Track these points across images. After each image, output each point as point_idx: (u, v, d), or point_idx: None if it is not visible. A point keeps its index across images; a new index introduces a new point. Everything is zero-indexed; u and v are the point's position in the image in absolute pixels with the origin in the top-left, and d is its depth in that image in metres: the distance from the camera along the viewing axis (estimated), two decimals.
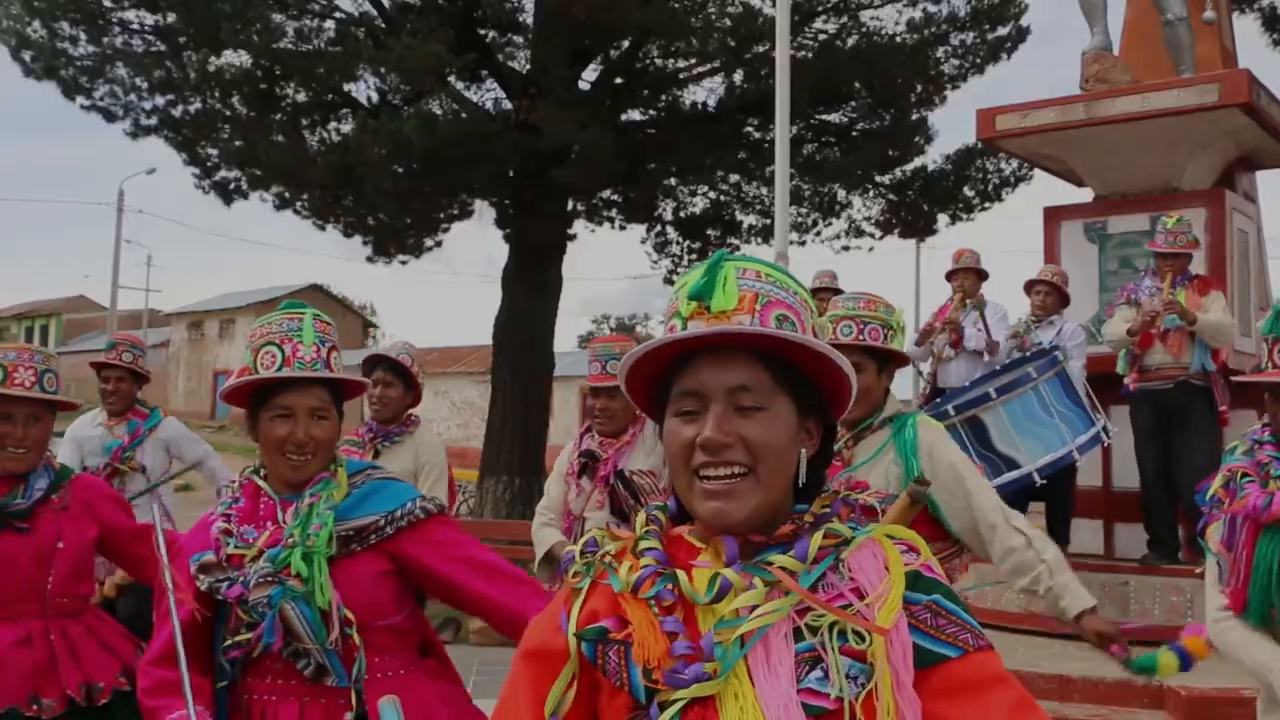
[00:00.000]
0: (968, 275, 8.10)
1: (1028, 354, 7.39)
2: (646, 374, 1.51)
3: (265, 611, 2.42)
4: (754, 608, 1.37)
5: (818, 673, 1.34)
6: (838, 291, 7.65)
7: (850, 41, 15.55)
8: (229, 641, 2.47)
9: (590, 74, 16.17)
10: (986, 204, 16.79)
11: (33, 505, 3.41)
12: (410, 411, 5.52)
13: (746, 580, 1.38)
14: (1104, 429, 6.88)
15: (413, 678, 2.56)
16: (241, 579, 2.45)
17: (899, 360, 3.72)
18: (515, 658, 1.50)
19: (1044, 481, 6.72)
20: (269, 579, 2.44)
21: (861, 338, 3.51)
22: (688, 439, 1.43)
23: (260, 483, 2.61)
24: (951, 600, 1.41)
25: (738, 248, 18.23)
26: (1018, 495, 6.18)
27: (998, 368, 7.44)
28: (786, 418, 1.45)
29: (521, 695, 1.45)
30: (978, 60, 15.73)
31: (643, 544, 1.47)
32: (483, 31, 15.84)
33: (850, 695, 1.32)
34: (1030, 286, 7.94)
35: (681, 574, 1.42)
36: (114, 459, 5.85)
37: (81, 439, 6.00)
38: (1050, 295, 7.82)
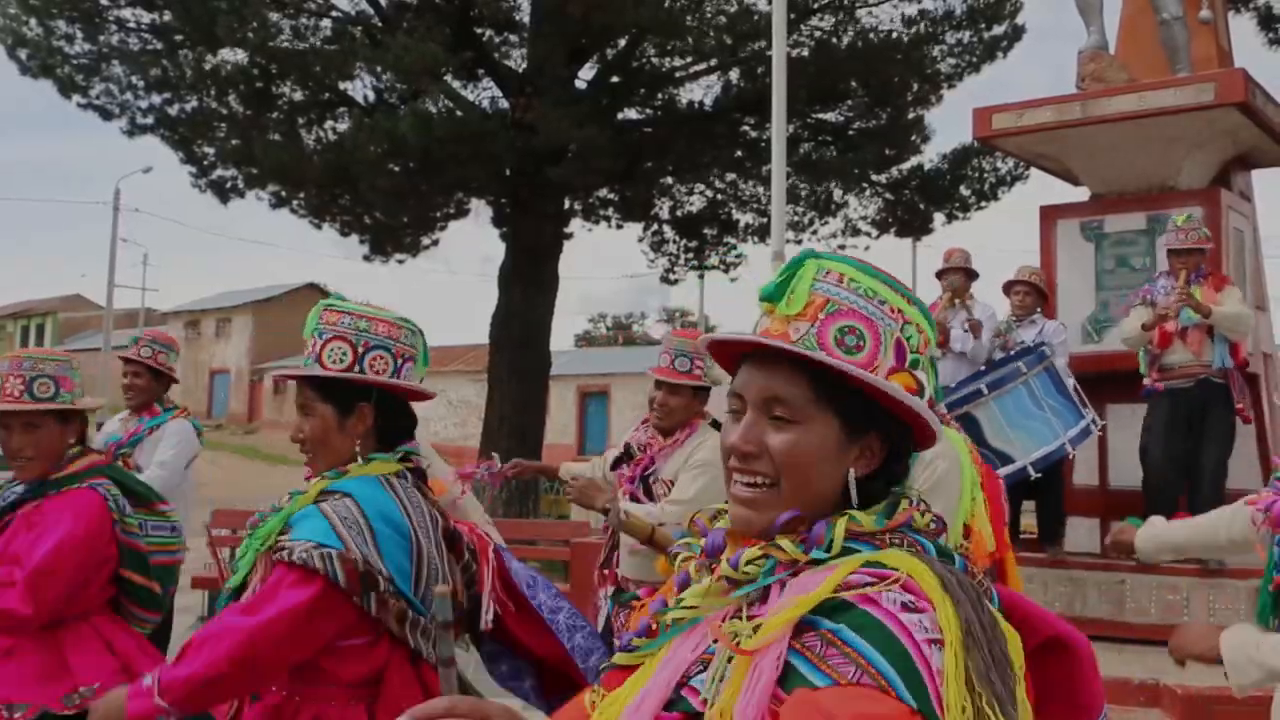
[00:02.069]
0: (957, 275, 8.11)
1: (1012, 352, 7.41)
2: (731, 358, 1.49)
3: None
4: (686, 602, 1.41)
5: (706, 673, 1.34)
6: None
7: (846, 39, 15.58)
8: None
9: (587, 73, 16.19)
10: (983, 203, 16.83)
11: (4, 507, 3.34)
12: None
13: (707, 577, 1.40)
14: (1092, 421, 6.91)
15: (287, 701, 2.50)
16: None
17: None
18: None
19: (1039, 475, 6.73)
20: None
21: None
22: (727, 440, 1.42)
23: None
24: (866, 634, 1.22)
25: (734, 246, 18.28)
26: (1012, 491, 6.18)
27: (983, 367, 7.45)
28: (824, 435, 1.38)
29: None
30: (974, 59, 15.75)
31: (716, 524, 1.47)
32: (479, 30, 15.84)
33: (712, 698, 1.31)
34: (1009, 287, 7.96)
35: (690, 564, 1.44)
36: (109, 454, 5.75)
37: (105, 436, 5.89)
38: (1029, 295, 7.84)
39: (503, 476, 5.00)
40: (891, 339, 1.39)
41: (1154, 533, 3.54)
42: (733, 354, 1.48)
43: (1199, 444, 7.03)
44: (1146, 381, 7.19)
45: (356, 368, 2.54)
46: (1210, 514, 3.44)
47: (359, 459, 2.58)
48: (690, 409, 4.64)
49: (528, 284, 15.97)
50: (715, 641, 1.34)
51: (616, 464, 4.81)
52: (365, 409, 2.58)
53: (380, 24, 15.29)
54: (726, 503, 1.48)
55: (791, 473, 1.37)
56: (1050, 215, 8.66)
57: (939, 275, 8.25)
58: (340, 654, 2.47)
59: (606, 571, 4.78)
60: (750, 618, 1.32)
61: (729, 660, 1.30)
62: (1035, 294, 7.85)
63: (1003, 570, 4.36)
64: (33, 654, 3.28)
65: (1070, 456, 7.27)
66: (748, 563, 1.35)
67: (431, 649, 2.49)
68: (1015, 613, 1.41)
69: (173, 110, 15.71)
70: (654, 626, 1.43)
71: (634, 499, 4.60)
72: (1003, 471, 6.34)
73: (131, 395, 5.85)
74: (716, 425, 4.72)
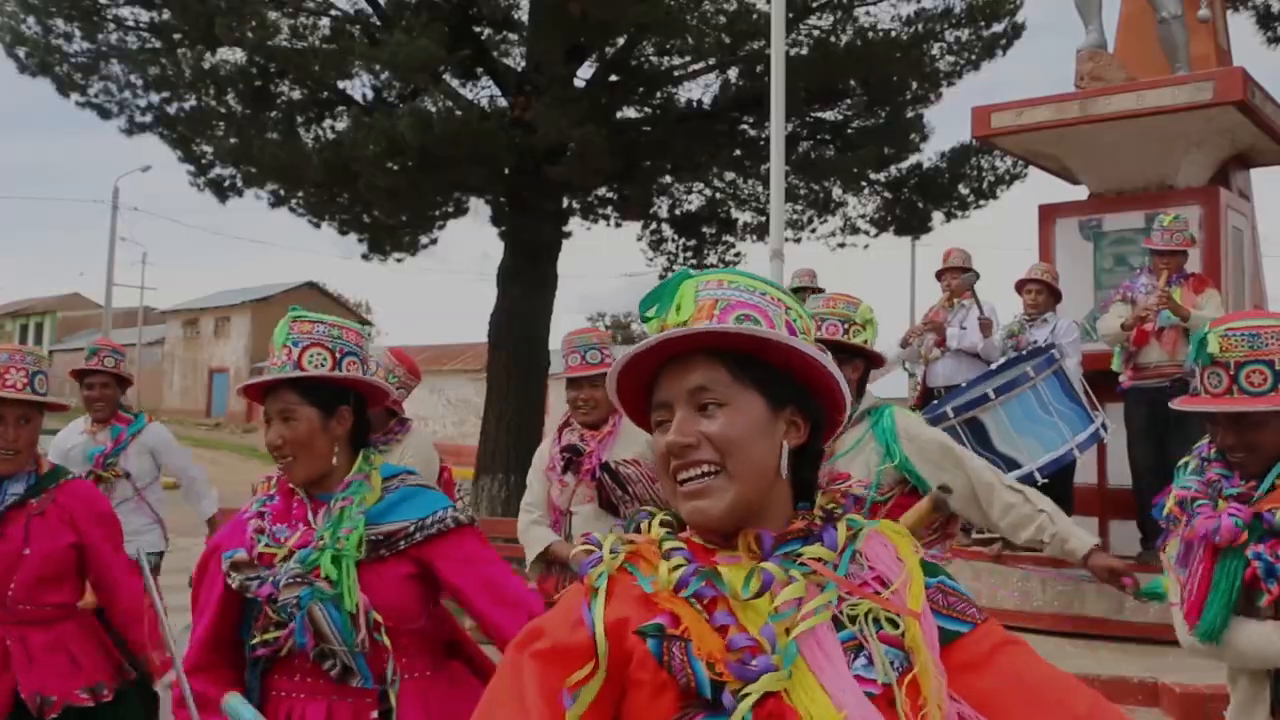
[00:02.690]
0: (955, 274, 8.12)
1: (1023, 353, 7.40)
2: (632, 394, 1.55)
3: (294, 612, 2.44)
4: (797, 600, 1.39)
5: (862, 660, 1.38)
6: (818, 290, 7.67)
7: (845, 38, 15.55)
8: (256, 639, 2.50)
9: (585, 71, 16.16)
10: (982, 201, 16.81)
11: (2, 510, 3.38)
12: (400, 418, 5.48)
13: (785, 574, 1.40)
14: (1102, 426, 6.91)
15: (436, 680, 2.57)
16: (272, 578, 2.47)
17: (863, 354, 3.77)
18: (518, 657, 1.45)
19: (1045, 480, 6.73)
20: (298, 580, 2.45)
21: (818, 333, 3.56)
22: (662, 447, 1.47)
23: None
24: (950, 579, 1.49)
25: (733, 245, 18.28)
26: None
27: (992, 367, 7.44)
28: (751, 410, 1.45)
29: (533, 695, 1.39)
30: (972, 57, 15.74)
31: (668, 544, 1.46)
32: (477, 29, 15.83)
33: (894, 680, 1.36)
34: (1021, 285, 7.95)
35: (723, 570, 1.42)
36: (97, 466, 5.75)
37: (66, 448, 5.89)
38: (1042, 293, 7.83)
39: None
40: (782, 321, 1.47)
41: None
42: (633, 393, 1.54)
43: (1179, 443, 7.05)
44: (1121, 379, 7.21)
45: (336, 371, 2.58)
46: None
47: (335, 461, 2.60)
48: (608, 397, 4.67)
49: (526, 283, 15.96)
50: (845, 628, 1.39)
51: (566, 468, 4.81)
52: (345, 411, 2.62)
53: (379, 22, 15.28)
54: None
55: (732, 451, 1.43)
56: (1049, 214, 8.68)
57: (938, 275, 8.26)
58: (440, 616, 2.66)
59: (554, 578, 4.82)
60: (863, 585, 1.43)
61: (877, 638, 1.38)
62: (1048, 292, 7.85)
63: None
64: (47, 649, 3.41)
65: (1076, 460, 7.28)
66: (843, 533, 1.46)
67: None
68: None
69: (171, 109, 15.69)
70: (757, 642, 1.37)
71: (601, 488, 4.68)
72: (1010, 476, 6.35)
73: (100, 406, 5.93)
74: None
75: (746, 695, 1.34)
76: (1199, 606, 2.93)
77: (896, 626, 1.39)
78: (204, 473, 6.35)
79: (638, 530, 1.52)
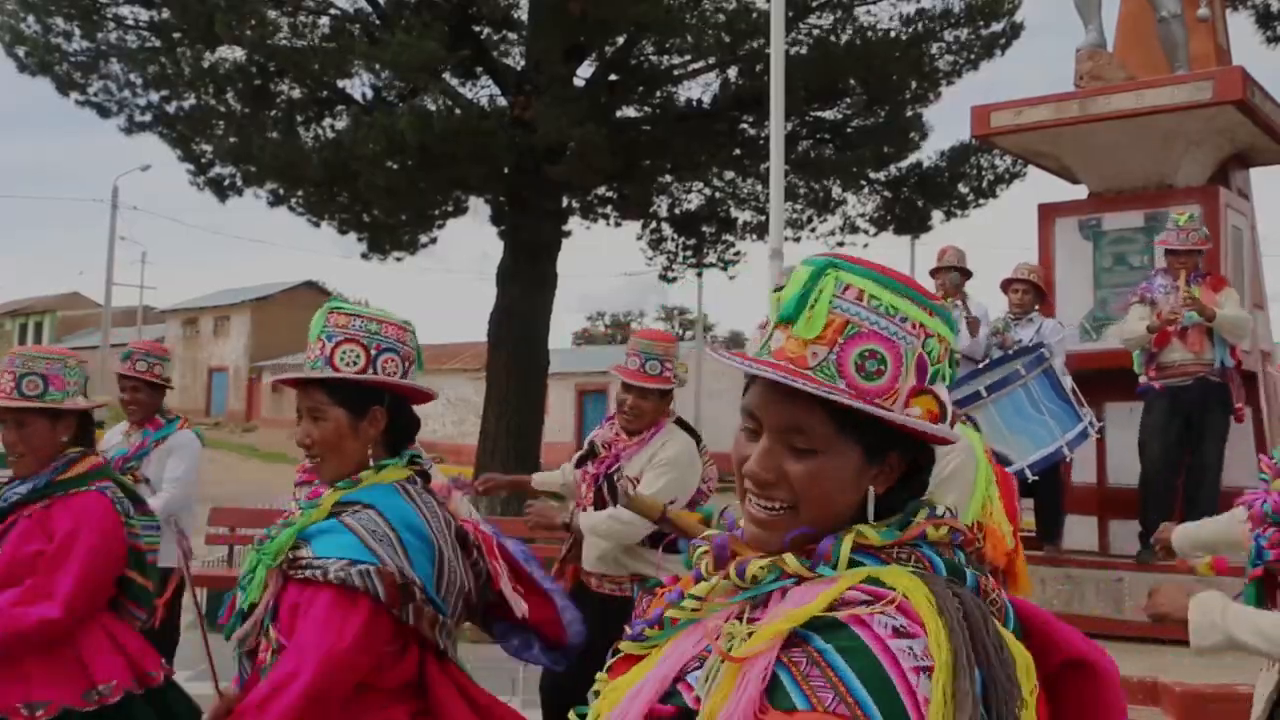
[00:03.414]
0: (951, 273, 8.10)
1: (1010, 351, 7.41)
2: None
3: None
4: (693, 595, 1.42)
5: (700, 671, 1.32)
6: None
7: (845, 37, 15.57)
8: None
9: (585, 71, 16.18)
10: (981, 201, 16.84)
11: (6, 508, 3.34)
12: None
13: (716, 575, 1.40)
14: (1090, 423, 6.92)
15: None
16: None
17: None
18: None
19: (1035, 478, 6.73)
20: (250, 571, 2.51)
21: None
22: (741, 458, 1.39)
23: None
24: (850, 659, 1.20)
25: (732, 244, 18.27)
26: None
27: (980, 366, 7.44)
28: (845, 464, 1.34)
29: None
30: (972, 56, 15.75)
31: (713, 530, 1.49)
32: (477, 28, 15.83)
33: (705, 696, 1.29)
34: (1007, 285, 7.95)
35: (706, 559, 1.44)
36: (115, 468, 5.72)
37: (104, 450, 5.85)
38: (1028, 293, 7.83)
39: (473, 490, 5.03)
40: (913, 358, 1.34)
41: (1188, 530, 3.74)
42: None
43: (1197, 442, 7.05)
44: (1142, 379, 7.20)
45: (370, 370, 2.52)
46: (1232, 511, 3.61)
47: (370, 463, 2.55)
48: (659, 410, 4.66)
49: (526, 282, 15.97)
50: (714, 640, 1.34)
51: (581, 462, 4.82)
52: (378, 412, 2.56)
53: (378, 21, 15.28)
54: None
55: (810, 500, 1.34)
56: (1048, 213, 8.66)
57: (933, 273, 8.25)
58: (379, 665, 2.45)
59: (568, 568, 4.82)
60: (750, 621, 1.32)
61: (721, 662, 1.28)
62: (1033, 291, 7.85)
63: (1012, 570, 4.36)
64: (51, 653, 3.31)
65: (1068, 459, 7.29)
66: (753, 571, 1.34)
67: (453, 647, 2.55)
68: (1035, 631, 1.38)
69: (171, 108, 15.71)
70: (665, 618, 1.42)
71: (598, 495, 4.64)
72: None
73: (134, 410, 5.85)
74: (680, 422, 4.78)
75: (616, 651, 1.45)
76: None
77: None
78: (190, 491, 5.89)
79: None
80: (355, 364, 2.51)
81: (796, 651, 1.24)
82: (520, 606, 2.67)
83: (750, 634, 1.27)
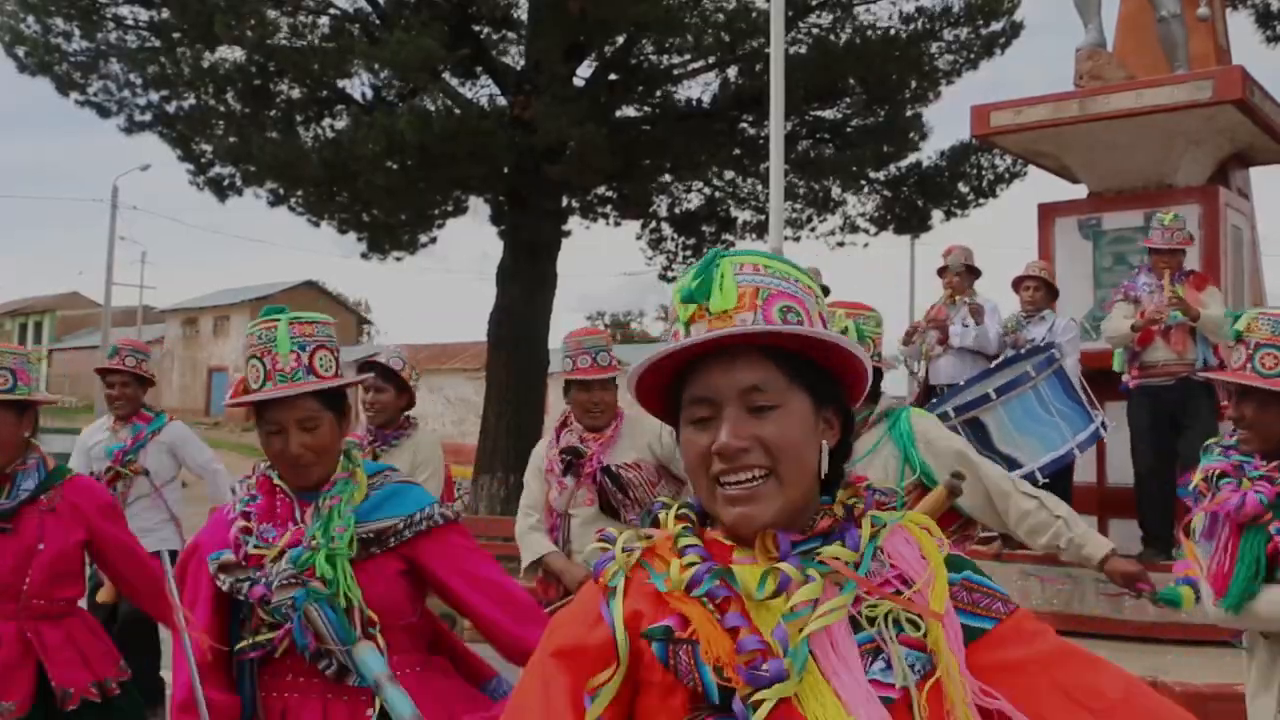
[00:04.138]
0: (958, 272, 8.11)
1: (1022, 351, 7.39)
2: (654, 383, 1.47)
3: (289, 613, 2.42)
4: (813, 602, 1.34)
5: (880, 663, 1.34)
6: (824, 290, 7.65)
7: (844, 37, 15.56)
8: (248, 642, 2.48)
9: (585, 70, 16.17)
10: (981, 200, 16.83)
11: (17, 505, 3.39)
12: (407, 414, 5.52)
13: (802, 574, 1.36)
14: (1102, 425, 6.91)
15: (429, 674, 2.57)
16: (264, 579, 2.45)
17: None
18: (540, 657, 1.44)
19: (1046, 480, 6.73)
20: (292, 580, 2.43)
21: None
22: (703, 447, 1.39)
23: (276, 481, 2.58)
24: (977, 573, 1.45)
25: (732, 243, 18.26)
26: None
27: (992, 365, 7.43)
28: (803, 412, 1.41)
29: (556, 695, 1.38)
30: (972, 56, 15.75)
31: (683, 541, 1.42)
32: (477, 28, 15.83)
33: (913, 684, 1.32)
34: (1019, 283, 7.94)
35: (737, 569, 1.38)
36: (115, 462, 5.88)
37: (88, 445, 6.04)
38: (1039, 290, 7.82)
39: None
40: (817, 312, 1.43)
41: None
42: (655, 381, 1.46)
43: (1184, 439, 7.04)
44: (1125, 378, 7.20)
45: (340, 374, 2.59)
46: None
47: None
48: (616, 399, 4.75)
49: (526, 281, 15.96)
50: (863, 630, 1.36)
51: (566, 471, 4.77)
52: (348, 411, 2.62)
53: (378, 21, 15.28)
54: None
55: (787, 456, 1.38)
56: (1048, 213, 8.67)
57: (940, 272, 8.25)
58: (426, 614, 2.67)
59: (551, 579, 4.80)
60: (869, 594, 1.37)
61: (896, 640, 1.35)
62: (1045, 288, 7.84)
63: None
64: (59, 644, 3.44)
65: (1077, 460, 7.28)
66: (865, 535, 1.41)
67: None
68: None
69: (170, 108, 15.70)
70: (767, 645, 1.33)
71: (602, 492, 4.65)
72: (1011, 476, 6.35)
73: (120, 405, 6.05)
74: None
75: (759, 702, 1.30)
76: (1225, 578, 3.11)
77: (919, 628, 1.35)
78: (225, 470, 6.37)
79: (655, 524, 1.49)
80: (331, 368, 2.55)
81: (953, 589, 1.41)
82: None
83: (917, 591, 1.38)
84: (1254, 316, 3.19)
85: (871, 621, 1.35)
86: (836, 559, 1.36)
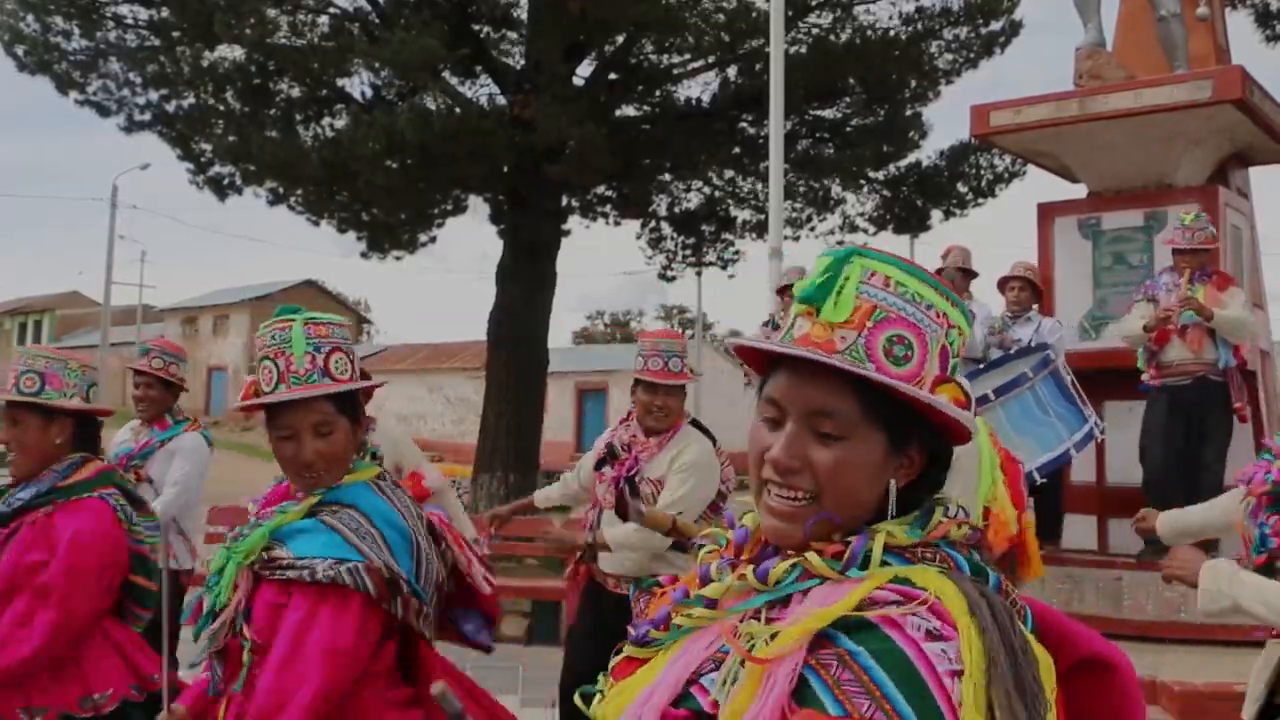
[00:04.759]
0: (954, 274, 8.10)
1: (1011, 351, 7.40)
2: (756, 362, 1.43)
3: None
4: (705, 597, 1.39)
5: (716, 673, 1.29)
6: None
7: (844, 36, 15.56)
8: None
9: (585, 70, 16.17)
10: (980, 200, 16.83)
11: (10, 513, 3.29)
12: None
13: (727, 576, 1.38)
14: (1095, 425, 6.92)
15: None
16: None
17: None
18: None
19: (1044, 480, 6.73)
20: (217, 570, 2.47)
21: None
22: (762, 447, 1.36)
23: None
24: (884, 661, 1.18)
25: (731, 243, 18.27)
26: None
27: (981, 365, 7.44)
28: (871, 451, 1.32)
29: None
30: (971, 55, 15.74)
31: (744, 519, 1.45)
32: (477, 27, 15.82)
33: (723, 699, 1.26)
34: (1004, 283, 7.95)
35: (713, 560, 1.42)
36: (119, 466, 5.68)
37: (112, 446, 5.76)
38: (1024, 290, 7.84)
39: (487, 534, 5.06)
40: (937, 346, 1.33)
41: (1173, 517, 3.76)
42: (761, 355, 1.40)
43: (1198, 442, 7.04)
44: (1145, 378, 7.19)
45: (354, 374, 2.52)
46: (1221, 497, 3.69)
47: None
48: (682, 407, 4.70)
49: (526, 281, 15.96)
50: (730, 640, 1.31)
51: (600, 465, 4.81)
52: (363, 415, 2.57)
53: (378, 20, 15.27)
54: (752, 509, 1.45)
55: (834, 489, 1.32)
56: (1048, 212, 8.67)
57: (937, 274, 8.23)
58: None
59: (581, 568, 4.84)
60: (769, 620, 1.29)
61: (741, 664, 1.26)
62: (1030, 289, 7.85)
63: (1023, 553, 4.39)
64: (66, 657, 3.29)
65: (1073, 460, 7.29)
66: (776, 575, 1.31)
67: (430, 630, 2.53)
68: (1050, 631, 1.37)
69: (170, 107, 15.69)
70: (671, 618, 1.39)
71: (620, 498, 4.62)
72: None
73: (144, 407, 5.82)
74: (695, 423, 4.80)
75: (618, 653, 1.44)
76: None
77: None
78: (193, 492, 5.87)
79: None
80: (346, 371, 2.49)
81: (825, 653, 1.21)
82: (486, 587, 2.70)
83: (774, 634, 1.24)
84: None
85: (736, 634, 1.30)
86: (742, 578, 1.35)
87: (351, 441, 2.51)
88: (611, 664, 1.45)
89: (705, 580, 1.40)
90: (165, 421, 5.82)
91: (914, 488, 1.36)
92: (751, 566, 1.34)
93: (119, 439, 5.89)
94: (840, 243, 17.44)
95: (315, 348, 2.44)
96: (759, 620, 1.29)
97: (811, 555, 1.30)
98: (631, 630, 1.44)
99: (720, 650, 1.31)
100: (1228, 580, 2.83)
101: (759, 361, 1.42)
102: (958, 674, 1.17)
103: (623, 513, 4.63)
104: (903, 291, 1.33)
